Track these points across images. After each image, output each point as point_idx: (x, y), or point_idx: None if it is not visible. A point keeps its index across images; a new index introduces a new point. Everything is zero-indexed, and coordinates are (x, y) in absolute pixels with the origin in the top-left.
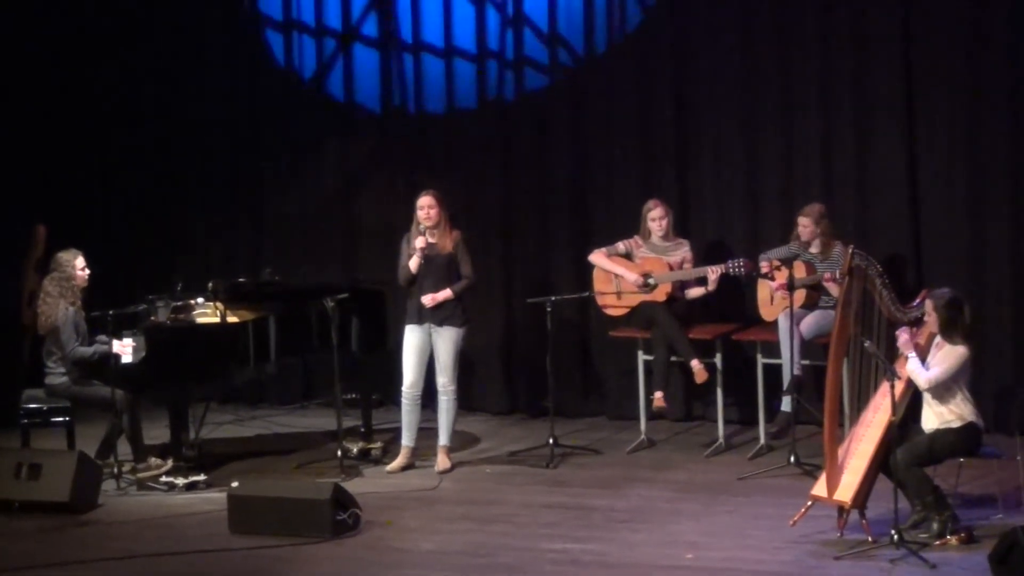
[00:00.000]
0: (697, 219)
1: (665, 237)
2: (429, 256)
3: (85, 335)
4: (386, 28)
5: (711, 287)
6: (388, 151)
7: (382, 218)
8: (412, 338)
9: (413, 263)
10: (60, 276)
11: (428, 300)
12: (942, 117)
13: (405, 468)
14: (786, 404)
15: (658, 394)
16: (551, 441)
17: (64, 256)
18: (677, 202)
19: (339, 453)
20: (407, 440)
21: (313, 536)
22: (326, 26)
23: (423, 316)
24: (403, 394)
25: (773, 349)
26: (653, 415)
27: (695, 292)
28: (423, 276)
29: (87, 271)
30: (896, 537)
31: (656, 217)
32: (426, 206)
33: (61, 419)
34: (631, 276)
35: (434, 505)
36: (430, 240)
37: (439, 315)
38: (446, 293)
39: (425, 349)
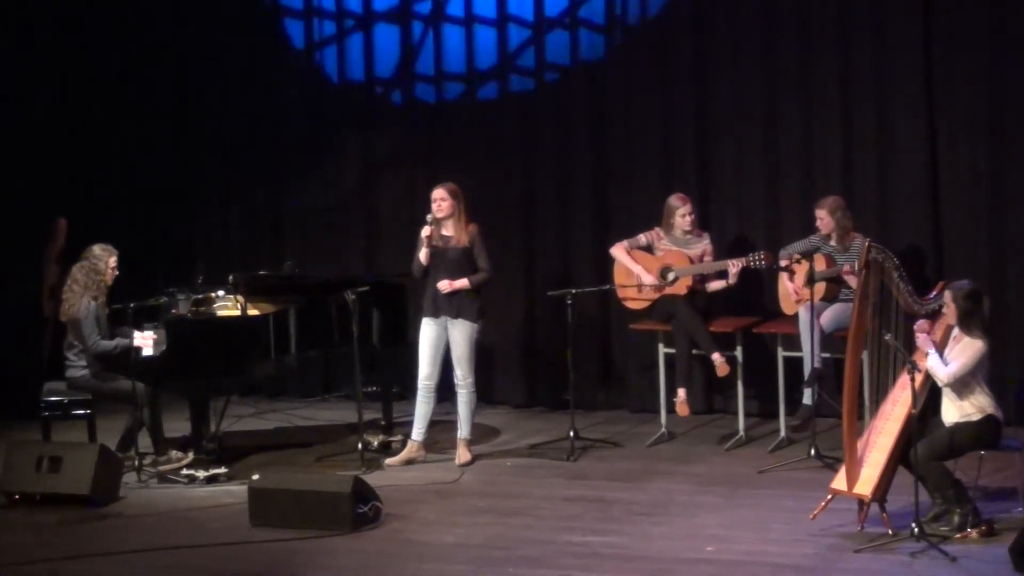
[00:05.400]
0: (717, 212)
1: (688, 231)
2: (443, 249)
3: (106, 330)
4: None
5: (732, 280)
6: (408, 143)
7: (403, 210)
8: (428, 331)
9: (423, 254)
10: (90, 267)
11: (444, 285)
12: (963, 108)
13: (407, 463)
14: (806, 397)
15: (681, 393)
16: (572, 434)
17: (98, 249)
18: (697, 195)
19: (360, 446)
20: (416, 434)
21: (333, 529)
22: (346, 10)
23: (439, 309)
24: (418, 386)
25: (793, 342)
26: (674, 409)
27: (716, 285)
28: (437, 269)
29: (116, 271)
30: (916, 530)
31: (685, 213)
32: (438, 198)
33: (82, 412)
34: (647, 278)
35: (454, 498)
36: (444, 232)
37: (454, 308)
38: (462, 282)
39: (441, 342)
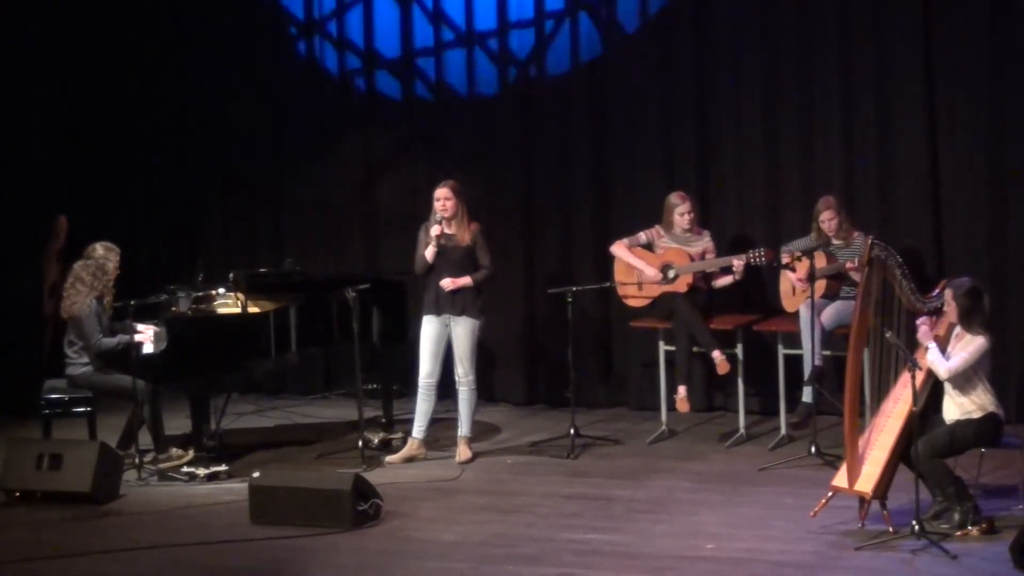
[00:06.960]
0: (718, 210)
1: (689, 228)
2: (446, 247)
3: (107, 327)
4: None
5: (739, 276)
6: (409, 140)
7: (403, 208)
8: (429, 328)
9: (429, 252)
10: (97, 267)
11: (448, 283)
12: (963, 107)
13: (408, 461)
14: (807, 395)
15: (681, 391)
16: (572, 432)
17: (102, 248)
18: (698, 192)
19: (360, 444)
20: (416, 432)
21: (334, 526)
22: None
23: (440, 307)
24: (419, 384)
25: (794, 340)
26: (674, 407)
27: (723, 281)
28: (439, 267)
29: (118, 270)
30: (917, 528)
31: (684, 212)
32: (443, 197)
33: (83, 409)
34: (649, 271)
35: (455, 495)
36: (447, 231)
37: (457, 306)
38: (465, 280)
39: (442, 340)
